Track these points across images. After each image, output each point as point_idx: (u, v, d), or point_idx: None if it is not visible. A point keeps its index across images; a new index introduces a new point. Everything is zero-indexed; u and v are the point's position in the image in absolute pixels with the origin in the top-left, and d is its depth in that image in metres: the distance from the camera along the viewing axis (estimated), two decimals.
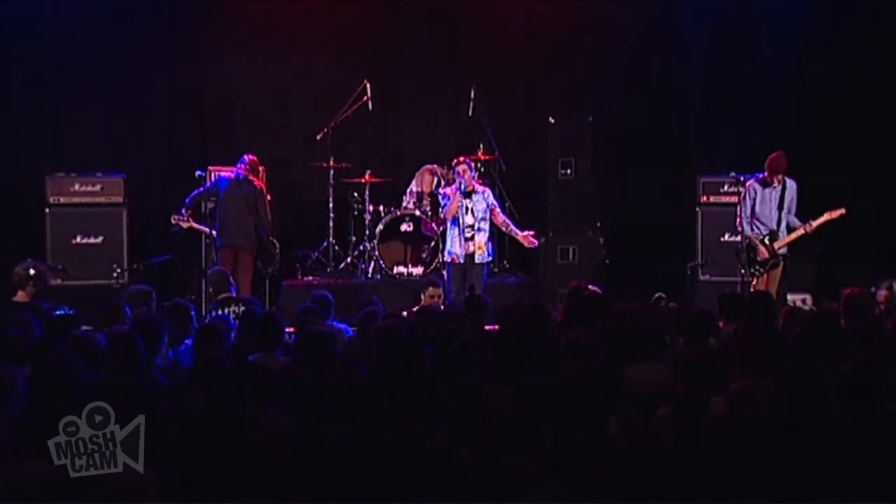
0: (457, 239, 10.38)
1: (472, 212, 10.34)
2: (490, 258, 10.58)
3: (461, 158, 10.56)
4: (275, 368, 5.72)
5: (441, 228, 11.66)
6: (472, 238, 10.32)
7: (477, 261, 10.34)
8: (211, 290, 8.97)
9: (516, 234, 10.60)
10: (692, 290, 11.69)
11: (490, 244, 10.49)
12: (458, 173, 10.39)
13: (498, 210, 10.54)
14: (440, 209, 10.79)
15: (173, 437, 4.57)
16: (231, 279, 9.05)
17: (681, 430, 4.70)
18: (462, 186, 10.32)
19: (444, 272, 10.65)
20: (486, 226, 10.39)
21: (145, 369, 5.68)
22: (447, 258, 10.53)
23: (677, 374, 5.26)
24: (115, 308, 7.31)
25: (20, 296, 8.09)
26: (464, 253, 10.34)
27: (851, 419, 4.61)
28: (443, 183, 11.95)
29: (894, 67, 12.17)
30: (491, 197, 10.56)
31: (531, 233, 10.61)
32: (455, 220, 10.37)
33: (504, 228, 10.66)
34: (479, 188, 10.52)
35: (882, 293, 8.30)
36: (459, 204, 10.31)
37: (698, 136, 12.95)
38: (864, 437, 4.44)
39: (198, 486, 4.33)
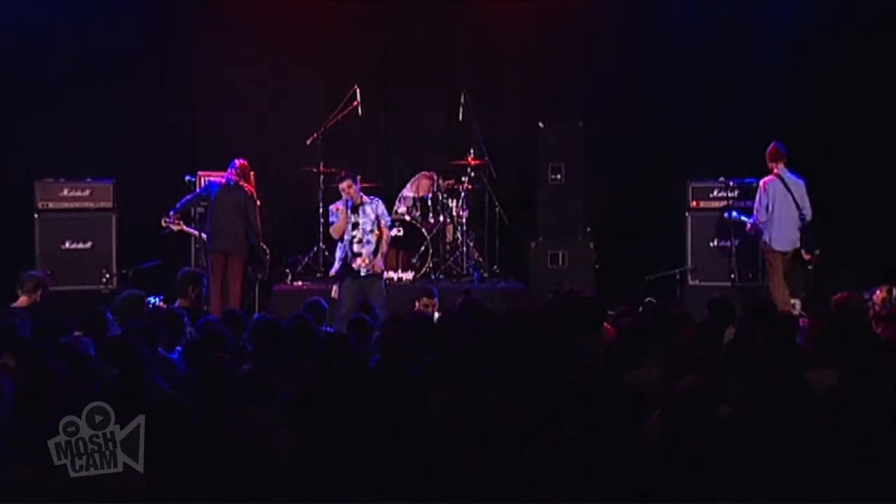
0: (346, 254, 10.05)
1: (360, 226, 9.98)
2: (381, 269, 10.14)
3: (343, 173, 10.16)
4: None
5: (431, 233, 11.66)
6: (359, 253, 9.97)
7: (362, 274, 9.94)
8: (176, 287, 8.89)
9: (381, 253, 10.07)
10: (681, 294, 11.72)
11: (378, 257, 10.02)
12: (343, 189, 9.95)
13: (384, 223, 10.08)
14: (330, 226, 10.26)
15: (167, 440, 4.55)
16: (195, 285, 8.85)
17: (672, 432, 4.69)
18: (349, 203, 9.93)
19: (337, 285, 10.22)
20: (373, 238, 10.02)
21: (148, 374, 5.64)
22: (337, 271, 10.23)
23: (676, 376, 5.25)
24: (98, 314, 7.24)
25: (21, 301, 8.11)
26: (350, 266, 10.00)
27: (834, 426, 4.60)
28: (442, 188, 11.96)
29: (883, 73, 12.21)
30: (380, 207, 10.14)
31: (378, 262, 10.01)
32: (342, 237, 10.03)
33: (383, 244, 10.10)
34: (368, 199, 10.08)
35: (879, 294, 8.22)
36: (347, 219, 9.95)
37: (688, 142, 12.98)
38: (849, 444, 4.43)
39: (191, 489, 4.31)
